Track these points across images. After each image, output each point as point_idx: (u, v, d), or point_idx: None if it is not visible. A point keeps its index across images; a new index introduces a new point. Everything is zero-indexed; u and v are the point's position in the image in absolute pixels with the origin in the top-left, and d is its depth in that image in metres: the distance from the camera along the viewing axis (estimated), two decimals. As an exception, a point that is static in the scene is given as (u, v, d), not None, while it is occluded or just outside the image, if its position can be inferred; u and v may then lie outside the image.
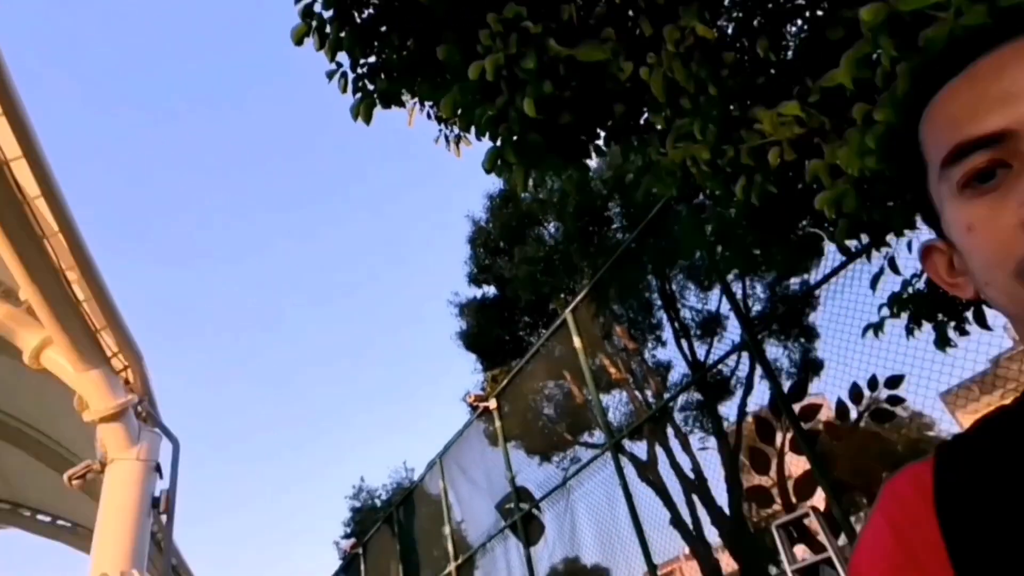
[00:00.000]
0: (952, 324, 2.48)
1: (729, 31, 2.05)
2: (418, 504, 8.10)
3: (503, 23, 1.63)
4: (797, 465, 5.56)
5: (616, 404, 7.51)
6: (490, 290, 13.28)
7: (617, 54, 1.85)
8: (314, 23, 1.99)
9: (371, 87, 2.08)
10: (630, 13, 2.06)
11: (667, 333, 7.93)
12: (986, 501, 0.50)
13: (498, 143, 1.86)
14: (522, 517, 5.95)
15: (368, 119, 2.07)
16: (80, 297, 4.80)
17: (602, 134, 2.25)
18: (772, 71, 1.89)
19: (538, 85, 1.65)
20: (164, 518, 4.99)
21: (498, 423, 6.45)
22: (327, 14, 1.99)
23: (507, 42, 1.62)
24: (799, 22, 1.82)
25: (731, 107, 1.96)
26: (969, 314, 2.43)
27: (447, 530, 7.04)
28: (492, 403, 6.62)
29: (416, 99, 2.55)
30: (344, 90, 2.08)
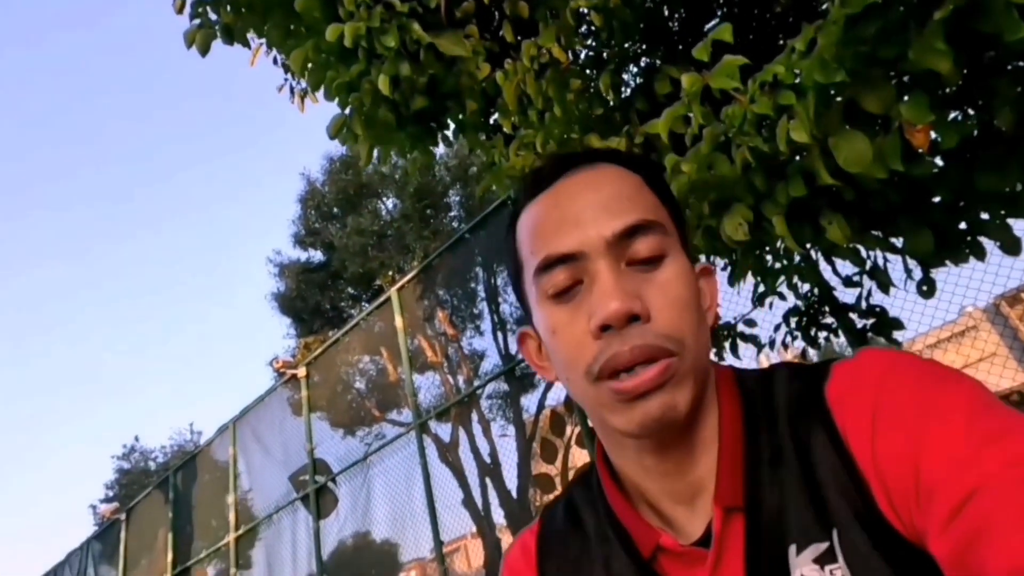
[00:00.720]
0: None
1: (581, 58, 2.22)
2: (201, 470, 7.53)
3: (367, -4, 1.61)
4: (581, 457, 6.14)
5: (428, 386, 7.64)
6: (316, 255, 12.70)
7: (477, 53, 1.92)
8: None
9: (213, 17, 1.90)
10: (496, 15, 2.14)
11: (486, 324, 8.26)
12: (558, 565, 0.62)
13: (347, 111, 1.82)
14: (316, 490, 5.83)
15: (204, 51, 1.89)
16: None
17: (452, 125, 2.31)
18: (610, 104, 2.09)
19: (395, 64, 1.66)
20: None
21: (304, 392, 6.24)
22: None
23: (371, 13, 1.60)
24: (635, 68, 2.04)
25: (571, 130, 2.14)
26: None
27: (231, 499, 6.65)
28: (301, 371, 6.38)
29: (263, 41, 2.39)
30: (180, 10, 1.87)
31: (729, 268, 2.02)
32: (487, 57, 2.00)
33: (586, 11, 1.79)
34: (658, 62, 1.85)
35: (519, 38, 2.15)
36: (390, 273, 10.44)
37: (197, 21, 1.89)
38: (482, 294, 8.10)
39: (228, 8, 1.88)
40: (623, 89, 2.21)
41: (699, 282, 0.57)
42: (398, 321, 5.45)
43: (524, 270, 0.57)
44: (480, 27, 2.25)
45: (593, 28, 1.87)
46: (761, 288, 2.02)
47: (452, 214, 11.45)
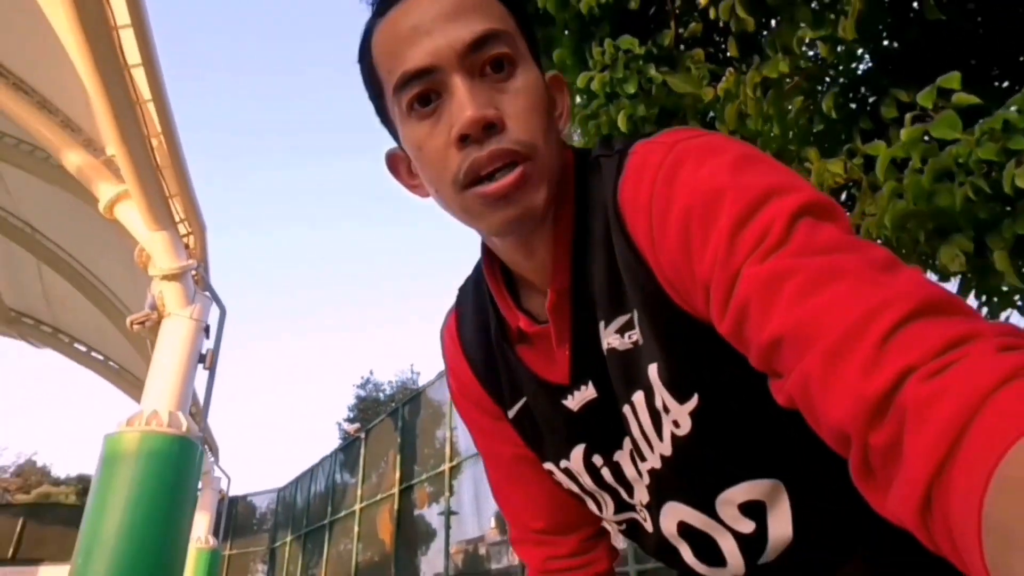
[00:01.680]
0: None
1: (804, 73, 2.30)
2: (423, 407, 8.79)
3: (615, 48, 1.91)
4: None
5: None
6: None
7: (703, 79, 2.13)
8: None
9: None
10: (718, 35, 2.31)
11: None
12: (468, 339, 0.74)
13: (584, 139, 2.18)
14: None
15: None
16: (160, 163, 5.21)
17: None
18: (833, 119, 2.16)
19: (633, 105, 1.95)
20: (208, 374, 5.62)
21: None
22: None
23: (615, 66, 1.90)
24: (863, 89, 2.07)
25: (790, 142, 2.25)
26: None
27: (446, 434, 7.72)
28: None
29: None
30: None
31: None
32: (711, 79, 2.20)
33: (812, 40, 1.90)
34: (885, 84, 1.89)
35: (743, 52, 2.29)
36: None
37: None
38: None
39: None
40: (849, 105, 2.25)
41: (551, 91, 0.61)
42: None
43: (385, 90, 0.59)
44: (703, 42, 2.43)
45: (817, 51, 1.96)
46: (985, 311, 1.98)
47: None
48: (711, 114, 2.26)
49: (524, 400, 0.69)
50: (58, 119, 5.71)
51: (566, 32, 2.14)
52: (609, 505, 0.69)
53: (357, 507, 10.01)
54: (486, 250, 0.67)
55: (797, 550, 0.59)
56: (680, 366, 0.56)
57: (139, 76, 4.77)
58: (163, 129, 5.13)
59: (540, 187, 0.55)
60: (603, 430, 0.64)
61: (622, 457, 0.65)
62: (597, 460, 0.66)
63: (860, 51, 1.92)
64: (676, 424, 0.58)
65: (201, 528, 10.54)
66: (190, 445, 4.91)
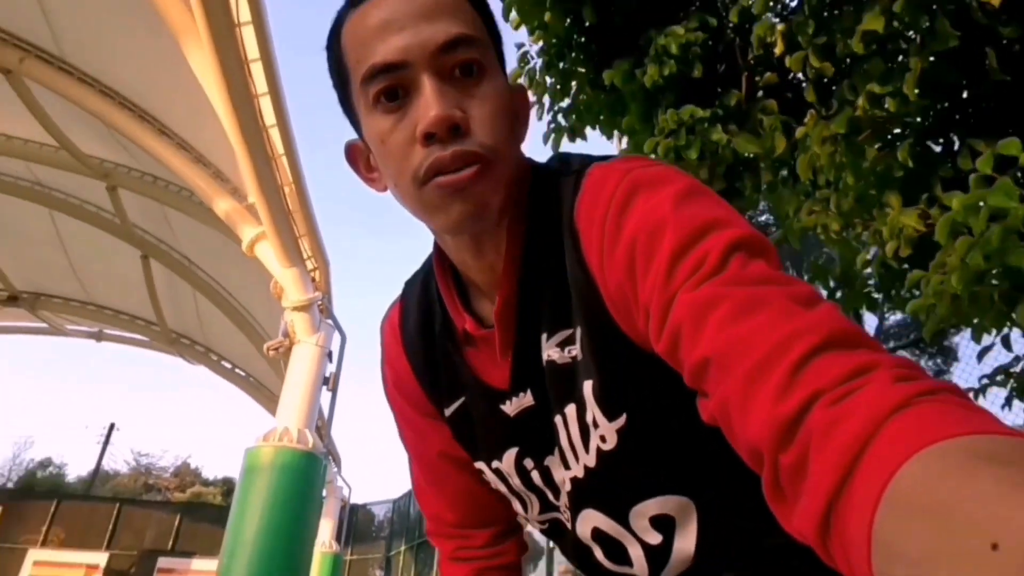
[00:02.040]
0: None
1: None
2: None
3: (678, 119, 2.04)
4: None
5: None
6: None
7: (774, 130, 2.20)
8: (527, 67, 2.51)
9: (564, 123, 2.59)
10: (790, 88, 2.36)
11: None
12: (411, 338, 0.73)
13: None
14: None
15: (556, 148, 2.58)
16: (291, 208, 5.90)
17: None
18: (910, 167, 2.14)
19: (696, 168, 2.06)
20: (331, 394, 6.22)
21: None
22: (539, 62, 2.50)
23: (678, 133, 2.03)
24: (940, 140, 2.03)
25: (868, 188, 2.25)
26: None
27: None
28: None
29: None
30: (539, 118, 2.60)
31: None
32: (782, 129, 2.26)
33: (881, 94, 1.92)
34: (962, 134, 1.86)
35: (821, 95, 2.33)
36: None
37: (552, 125, 2.60)
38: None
39: (574, 117, 2.54)
40: (928, 153, 2.22)
41: (513, 98, 0.62)
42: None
43: (351, 80, 0.58)
44: (777, 91, 2.48)
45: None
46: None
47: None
48: (783, 170, 2.31)
49: (463, 400, 0.71)
50: (210, 171, 6.64)
51: (634, 101, 2.29)
52: (535, 505, 0.72)
53: (465, 522, 10.32)
54: (438, 250, 0.68)
55: (697, 567, 0.64)
56: (614, 385, 0.59)
57: (275, 135, 5.48)
58: (294, 179, 5.83)
59: (498, 188, 0.57)
60: (537, 436, 0.66)
61: (552, 462, 0.67)
62: (528, 463, 0.68)
63: (930, 104, 1.90)
64: (603, 439, 0.60)
65: (325, 533, 11.42)
66: (315, 459, 5.48)
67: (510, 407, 0.67)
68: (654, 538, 0.64)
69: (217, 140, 5.97)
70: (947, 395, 0.34)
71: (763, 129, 2.16)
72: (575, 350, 0.60)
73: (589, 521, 0.67)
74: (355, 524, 15.93)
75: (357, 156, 0.65)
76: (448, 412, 0.72)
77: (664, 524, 0.63)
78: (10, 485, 25.25)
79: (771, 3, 2.25)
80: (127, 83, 6.62)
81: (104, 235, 9.42)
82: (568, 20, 2.35)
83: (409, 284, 0.76)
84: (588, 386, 0.60)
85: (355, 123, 0.62)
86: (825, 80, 2.33)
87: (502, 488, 0.73)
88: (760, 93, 2.35)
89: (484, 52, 0.58)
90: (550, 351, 0.62)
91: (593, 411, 0.60)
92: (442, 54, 0.55)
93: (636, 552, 0.65)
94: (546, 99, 2.60)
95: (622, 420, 0.59)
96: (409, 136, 0.55)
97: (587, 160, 0.63)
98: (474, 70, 0.56)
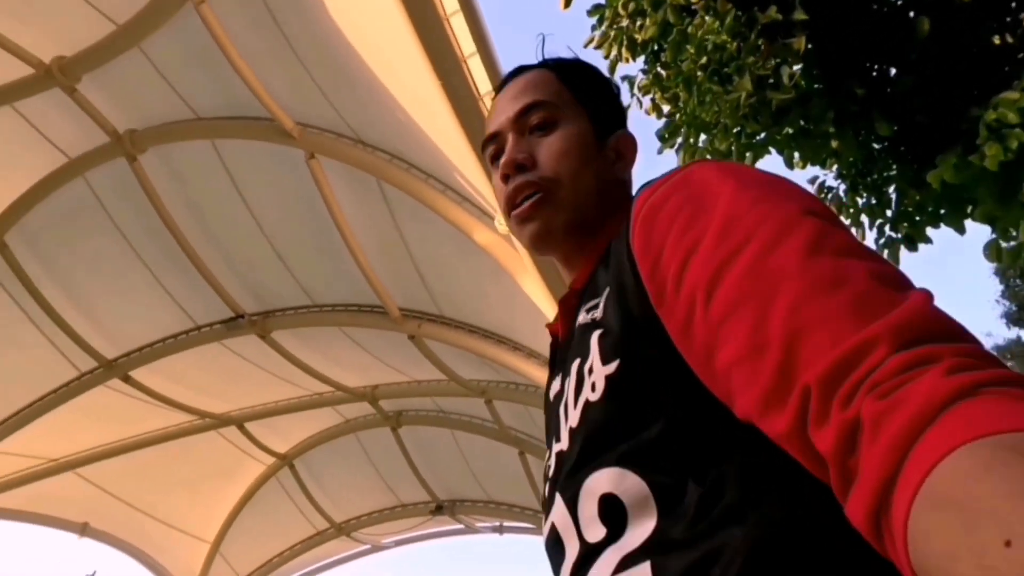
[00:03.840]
0: None
1: None
2: None
3: None
4: None
5: None
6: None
7: None
8: (825, 196, 2.38)
9: (894, 235, 2.32)
10: None
11: None
12: None
13: None
14: None
15: (896, 259, 2.31)
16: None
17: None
18: None
19: None
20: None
21: None
22: (840, 186, 2.35)
23: None
24: None
25: None
26: None
27: None
28: None
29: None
30: (863, 238, 2.36)
31: None
32: None
33: None
34: None
35: None
36: None
37: (882, 241, 2.35)
38: None
39: (907, 226, 2.28)
40: None
41: (611, 141, 0.76)
42: None
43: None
44: None
45: None
46: None
47: None
48: None
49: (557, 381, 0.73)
50: (471, 207, 7.15)
51: (980, 186, 1.92)
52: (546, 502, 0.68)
53: None
54: None
55: None
56: (617, 330, 0.60)
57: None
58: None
59: (559, 211, 0.71)
60: (557, 423, 0.67)
61: (555, 445, 0.67)
62: (551, 459, 0.68)
63: None
64: (593, 388, 0.60)
65: None
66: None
67: (551, 392, 0.72)
68: (595, 533, 0.56)
69: (477, 184, 6.45)
70: (1009, 387, 0.33)
71: None
72: (598, 312, 0.63)
73: (553, 516, 0.63)
74: None
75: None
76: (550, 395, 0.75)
77: (612, 514, 0.55)
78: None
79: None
80: (486, 319, 8.22)
81: (490, 441, 11.13)
82: (860, 137, 2.19)
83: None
84: (596, 335, 0.62)
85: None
86: None
87: (544, 489, 0.70)
88: None
89: (556, 110, 0.74)
90: (581, 316, 0.67)
91: (594, 356, 0.61)
92: (520, 118, 0.75)
93: (572, 553, 0.58)
94: (863, 218, 2.37)
95: (614, 366, 0.58)
96: (499, 180, 0.74)
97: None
98: (547, 125, 0.74)
